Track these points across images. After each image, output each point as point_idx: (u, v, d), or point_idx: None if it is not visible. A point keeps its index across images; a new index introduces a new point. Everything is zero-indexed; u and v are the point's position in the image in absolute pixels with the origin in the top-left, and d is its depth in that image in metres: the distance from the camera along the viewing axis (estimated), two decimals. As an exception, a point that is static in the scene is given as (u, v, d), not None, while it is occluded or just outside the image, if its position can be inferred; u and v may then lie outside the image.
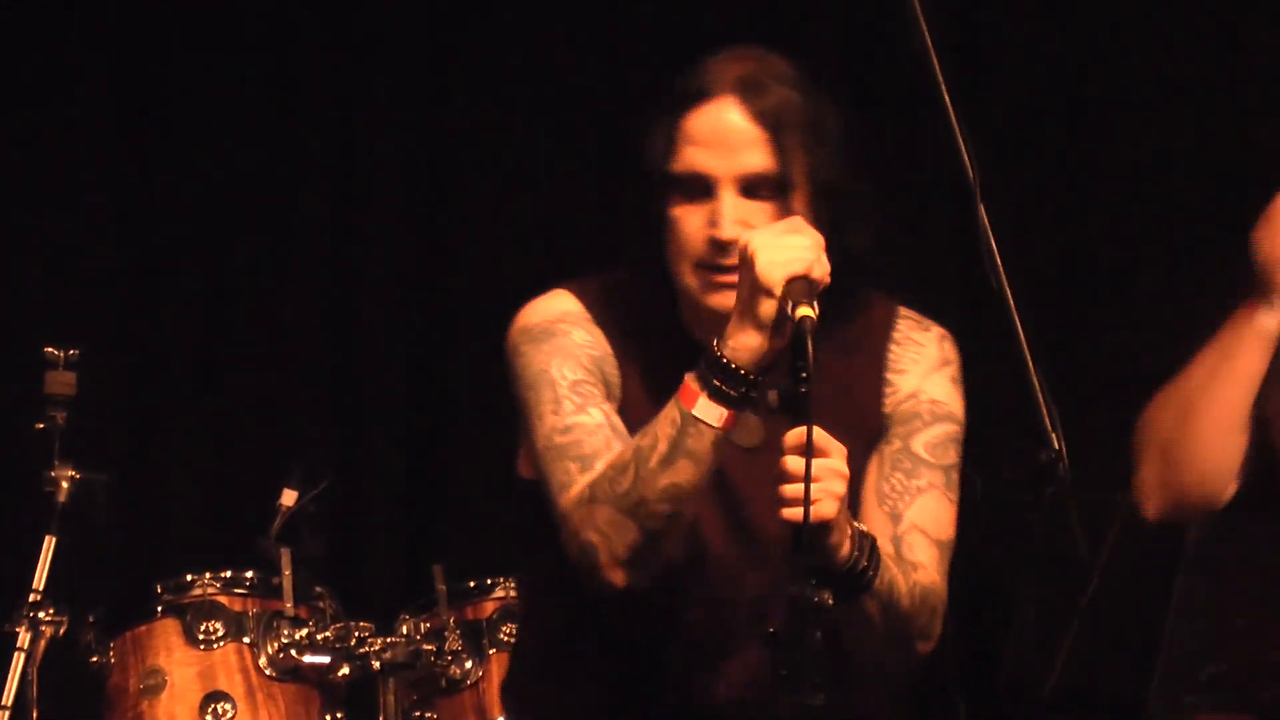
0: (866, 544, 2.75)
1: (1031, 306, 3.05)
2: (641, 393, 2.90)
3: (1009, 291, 3.03)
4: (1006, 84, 5.13)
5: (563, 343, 2.91)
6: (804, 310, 2.61)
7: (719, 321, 2.75)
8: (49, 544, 4.18)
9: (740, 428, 2.79)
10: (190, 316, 5.33)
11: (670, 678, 2.92)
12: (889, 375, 2.96)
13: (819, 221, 2.78)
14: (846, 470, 2.67)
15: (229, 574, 4.23)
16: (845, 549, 2.71)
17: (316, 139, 5.36)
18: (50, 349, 4.23)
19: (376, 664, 4.14)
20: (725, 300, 2.77)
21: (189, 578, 4.23)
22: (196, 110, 5.33)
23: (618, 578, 2.75)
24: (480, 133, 5.29)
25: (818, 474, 2.58)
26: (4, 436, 4.77)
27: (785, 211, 2.79)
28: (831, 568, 2.69)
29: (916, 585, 2.82)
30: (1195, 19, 5.05)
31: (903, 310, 3.02)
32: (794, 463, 2.58)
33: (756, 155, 2.79)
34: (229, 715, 4.12)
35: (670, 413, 2.73)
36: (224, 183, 5.34)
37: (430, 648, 4.16)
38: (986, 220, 3.04)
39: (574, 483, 2.82)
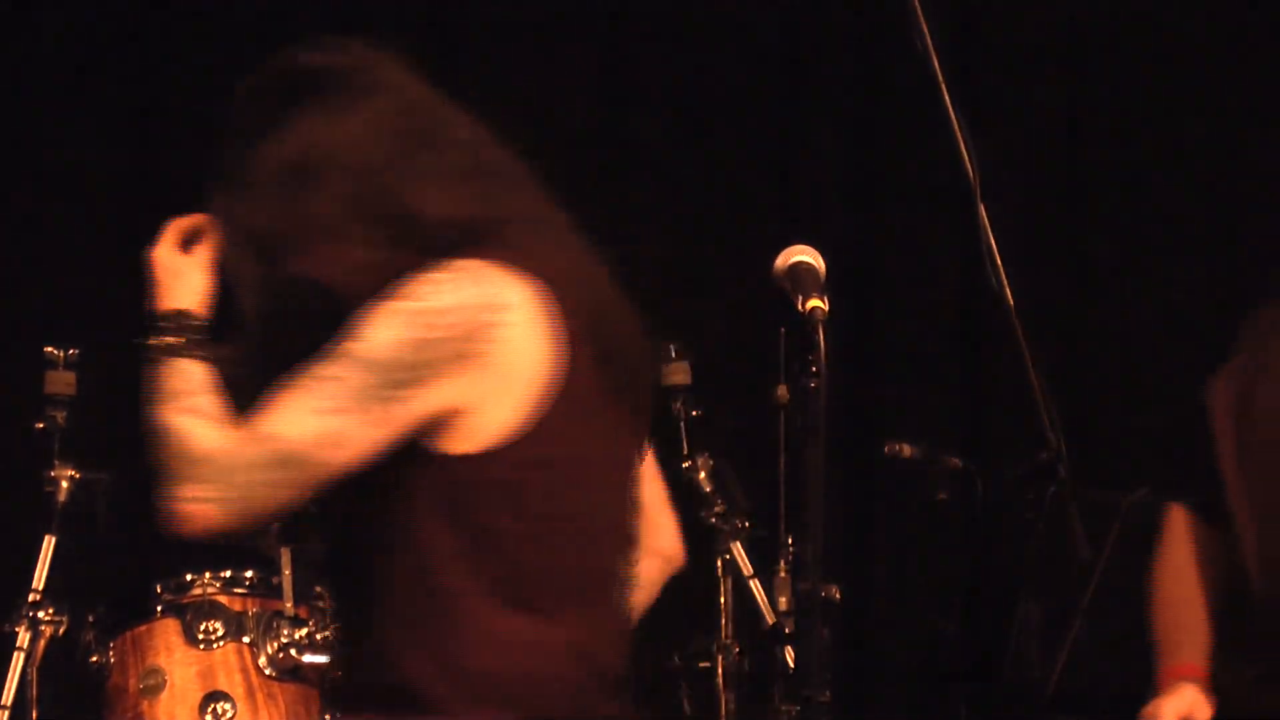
0: None
1: (1031, 306, 3.04)
2: None
3: (1009, 291, 3.02)
4: (1006, 84, 5.13)
5: None
6: (814, 302, 2.53)
7: None
8: (49, 544, 4.18)
9: None
10: (190, 316, 5.32)
11: None
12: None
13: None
14: None
15: (229, 574, 4.23)
16: None
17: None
18: (50, 349, 4.22)
19: (376, 664, 4.14)
20: None
21: (189, 577, 4.22)
22: (197, 109, 5.33)
23: None
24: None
25: None
26: (4, 436, 4.77)
27: (221, 255, 2.85)
28: None
29: None
30: (1196, 21, 5.06)
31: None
32: None
33: None
34: (229, 715, 4.11)
35: None
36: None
37: (430, 648, 4.15)
38: (986, 220, 3.04)
39: None
